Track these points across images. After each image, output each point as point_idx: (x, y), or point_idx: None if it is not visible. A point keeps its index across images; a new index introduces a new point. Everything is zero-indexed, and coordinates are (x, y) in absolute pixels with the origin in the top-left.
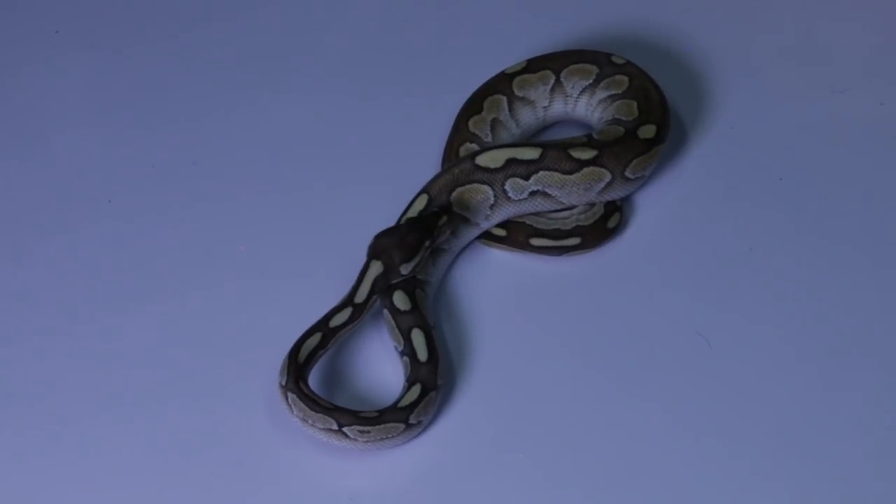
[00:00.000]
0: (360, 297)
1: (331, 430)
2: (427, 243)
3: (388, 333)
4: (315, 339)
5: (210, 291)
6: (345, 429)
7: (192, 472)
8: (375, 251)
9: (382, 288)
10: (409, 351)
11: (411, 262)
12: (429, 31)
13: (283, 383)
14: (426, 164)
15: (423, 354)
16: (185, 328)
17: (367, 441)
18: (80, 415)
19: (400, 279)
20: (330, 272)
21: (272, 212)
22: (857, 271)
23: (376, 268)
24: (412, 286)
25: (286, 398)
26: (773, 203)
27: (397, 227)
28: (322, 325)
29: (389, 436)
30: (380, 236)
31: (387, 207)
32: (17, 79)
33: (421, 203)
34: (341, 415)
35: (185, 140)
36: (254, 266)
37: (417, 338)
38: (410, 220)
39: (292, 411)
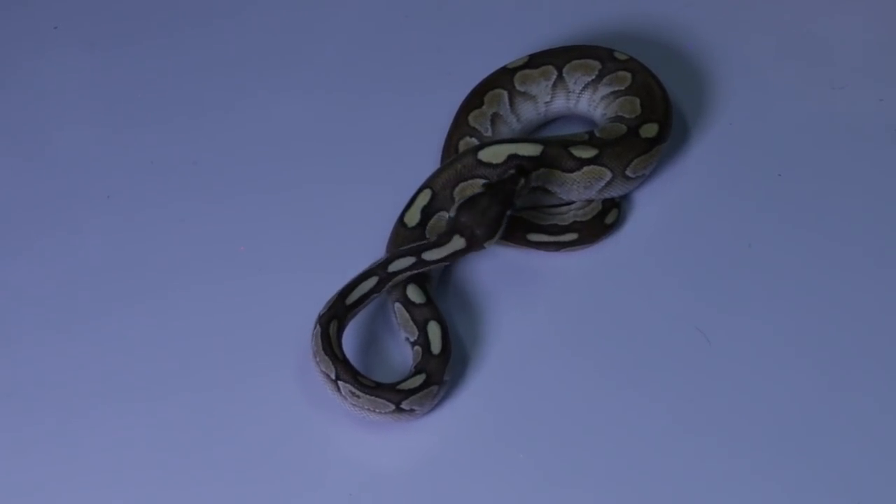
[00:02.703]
0: (430, 256)
1: (328, 376)
2: (508, 213)
3: (398, 325)
4: (370, 283)
5: (208, 288)
6: (340, 382)
7: (188, 467)
8: (458, 227)
9: (456, 260)
10: (422, 341)
11: (494, 238)
12: (428, 28)
13: (321, 314)
14: (426, 160)
15: (436, 347)
16: (183, 325)
17: (355, 406)
18: (75, 412)
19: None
20: (329, 269)
21: (271, 209)
22: (856, 268)
23: (458, 244)
24: (422, 280)
25: (313, 328)
26: (773, 199)
27: (477, 198)
28: (378, 269)
29: (377, 410)
30: (461, 210)
31: (387, 204)
32: (15, 75)
33: (424, 199)
34: (343, 368)
35: (185, 137)
36: (253, 263)
37: (433, 330)
38: (489, 186)
39: (310, 342)
